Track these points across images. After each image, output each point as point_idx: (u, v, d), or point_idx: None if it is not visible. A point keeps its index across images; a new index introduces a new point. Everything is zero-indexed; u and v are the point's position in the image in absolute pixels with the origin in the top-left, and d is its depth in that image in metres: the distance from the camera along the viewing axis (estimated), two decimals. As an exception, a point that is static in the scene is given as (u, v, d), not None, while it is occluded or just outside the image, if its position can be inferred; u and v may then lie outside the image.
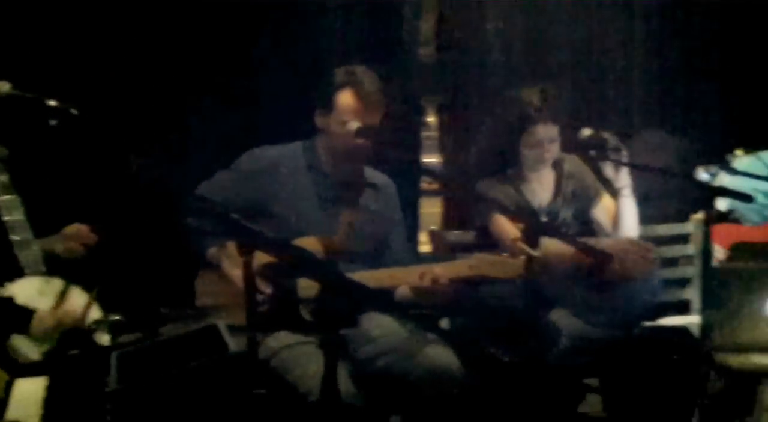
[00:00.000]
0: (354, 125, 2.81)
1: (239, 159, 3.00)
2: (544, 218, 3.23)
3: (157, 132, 3.47)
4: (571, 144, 3.24)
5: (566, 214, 3.37)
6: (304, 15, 3.59)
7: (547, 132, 3.20)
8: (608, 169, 3.22)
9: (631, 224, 3.32)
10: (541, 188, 3.35)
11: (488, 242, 3.22)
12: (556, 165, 3.38)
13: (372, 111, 2.86)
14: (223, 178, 2.99)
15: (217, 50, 3.51)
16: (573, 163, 3.37)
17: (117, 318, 2.57)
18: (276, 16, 3.54)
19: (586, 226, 3.43)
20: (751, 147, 3.61)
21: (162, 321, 2.71)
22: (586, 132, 3.12)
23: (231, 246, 2.75)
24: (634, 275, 3.06)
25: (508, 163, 3.25)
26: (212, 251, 2.88)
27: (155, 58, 3.47)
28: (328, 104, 2.86)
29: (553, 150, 3.25)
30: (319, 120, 2.93)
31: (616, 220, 3.32)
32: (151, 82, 3.46)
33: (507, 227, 3.14)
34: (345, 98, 2.85)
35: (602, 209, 3.39)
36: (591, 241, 3.02)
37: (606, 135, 3.11)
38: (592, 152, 3.12)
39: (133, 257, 3.37)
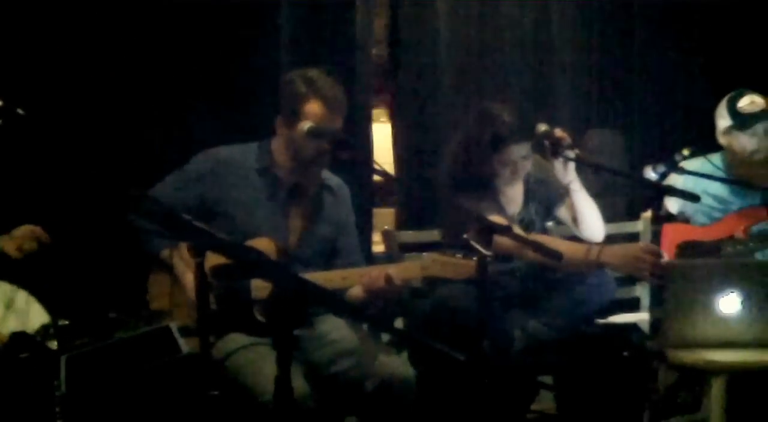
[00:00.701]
0: (312, 127, 2.81)
1: (191, 160, 2.98)
2: (519, 226, 3.25)
3: (110, 133, 3.43)
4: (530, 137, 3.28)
5: (537, 218, 3.41)
6: (254, 13, 3.56)
7: (521, 151, 3.25)
8: (558, 165, 3.25)
9: (591, 218, 3.35)
10: (513, 197, 3.39)
11: (444, 243, 3.24)
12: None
13: (336, 117, 2.89)
14: (175, 179, 2.97)
15: (163, 49, 3.48)
16: (538, 166, 3.41)
17: (65, 322, 2.54)
18: (224, 14, 3.51)
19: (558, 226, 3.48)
20: (699, 147, 3.67)
21: (112, 324, 2.68)
22: (542, 128, 3.15)
23: (183, 248, 2.73)
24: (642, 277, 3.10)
25: (483, 177, 3.29)
26: (164, 252, 2.85)
27: (106, 57, 3.43)
28: (294, 113, 2.86)
29: (527, 166, 3.29)
30: (280, 126, 2.93)
31: (575, 217, 3.36)
32: (102, 82, 3.42)
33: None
34: (312, 108, 2.86)
35: (566, 209, 3.43)
36: (606, 249, 3.06)
37: (559, 132, 3.15)
38: (547, 147, 3.15)
39: (83, 259, 3.33)
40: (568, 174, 3.25)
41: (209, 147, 2.99)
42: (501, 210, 3.28)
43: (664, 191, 3.07)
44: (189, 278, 2.77)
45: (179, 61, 3.49)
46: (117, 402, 2.50)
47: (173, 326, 2.48)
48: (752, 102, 3.60)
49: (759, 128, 3.57)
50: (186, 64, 3.50)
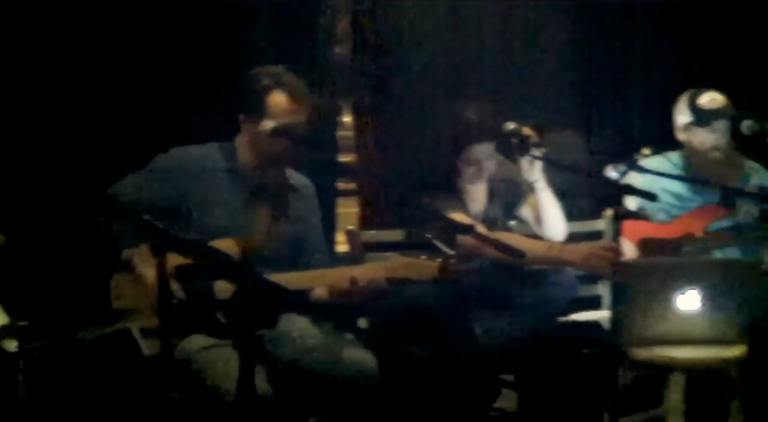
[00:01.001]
0: (277, 125, 2.80)
1: (153, 159, 2.95)
2: (482, 225, 3.27)
3: (70, 131, 3.39)
4: (495, 136, 3.31)
5: (500, 217, 3.43)
6: (217, 13, 3.54)
7: (485, 151, 3.27)
8: (524, 163, 3.27)
9: (554, 217, 3.38)
10: (477, 196, 3.41)
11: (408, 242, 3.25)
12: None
13: (301, 111, 2.88)
14: (136, 178, 2.94)
15: (126, 48, 3.45)
16: (501, 165, 3.43)
17: (24, 323, 2.51)
18: (187, 13, 3.49)
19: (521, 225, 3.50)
20: (658, 146, 3.71)
21: (73, 325, 2.65)
22: (510, 126, 3.17)
23: (144, 248, 2.71)
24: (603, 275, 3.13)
25: (447, 176, 3.30)
26: (126, 252, 2.82)
27: (68, 57, 3.39)
28: (257, 108, 2.84)
29: (491, 167, 3.31)
30: (245, 123, 2.92)
31: (538, 215, 3.38)
32: (64, 83, 3.38)
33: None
34: (276, 100, 2.85)
35: (528, 207, 3.45)
36: (567, 247, 3.09)
37: (527, 130, 3.17)
38: (515, 145, 3.17)
39: (42, 259, 3.29)
40: (534, 172, 3.27)
41: (172, 146, 2.97)
42: (465, 209, 3.29)
43: (622, 190, 3.11)
44: (150, 279, 2.74)
45: (141, 61, 3.46)
46: (77, 403, 2.48)
47: (133, 327, 2.46)
48: (712, 99, 3.64)
49: (718, 124, 3.62)
50: (147, 64, 3.47)
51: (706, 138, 3.62)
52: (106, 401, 2.51)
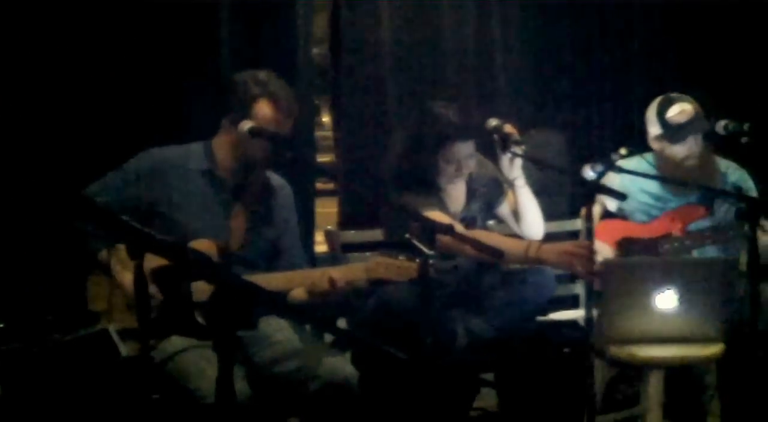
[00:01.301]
0: (253, 127, 2.80)
1: (130, 160, 2.93)
2: (461, 224, 3.28)
3: (43, 132, 3.36)
4: (478, 133, 3.34)
5: (479, 216, 3.43)
6: (193, 13, 3.52)
7: (465, 149, 3.27)
8: (505, 160, 3.28)
9: (532, 215, 3.39)
10: (456, 196, 3.41)
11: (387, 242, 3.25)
12: None
13: (286, 121, 2.89)
14: (113, 178, 2.92)
15: (101, 48, 3.42)
16: (480, 164, 3.44)
17: (0, 325, 2.49)
18: (163, 12, 3.47)
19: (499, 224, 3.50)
20: (636, 146, 3.72)
21: (49, 326, 2.63)
22: (493, 122, 3.18)
23: (121, 249, 2.69)
24: (577, 273, 3.14)
25: (426, 175, 3.30)
26: (103, 253, 2.81)
27: (38, 56, 3.36)
28: (243, 114, 2.84)
29: (470, 165, 3.31)
30: (225, 126, 2.90)
31: (517, 213, 3.39)
32: (35, 80, 3.34)
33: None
34: (263, 110, 2.85)
35: (506, 206, 3.46)
36: (544, 246, 3.09)
37: (509, 127, 3.18)
38: (497, 142, 3.18)
39: (18, 261, 3.26)
40: (515, 170, 3.28)
41: (149, 147, 2.96)
42: (444, 208, 3.30)
43: (594, 189, 3.13)
44: (127, 280, 2.73)
45: (117, 60, 3.44)
46: (54, 405, 2.46)
47: (111, 328, 2.44)
48: (681, 111, 3.62)
49: (690, 140, 3.61)
50: (122, 63, 3.44)
51: (678, 151, 3.61)
52: (84, 403, 2.49)
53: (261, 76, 2.90)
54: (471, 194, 3.42)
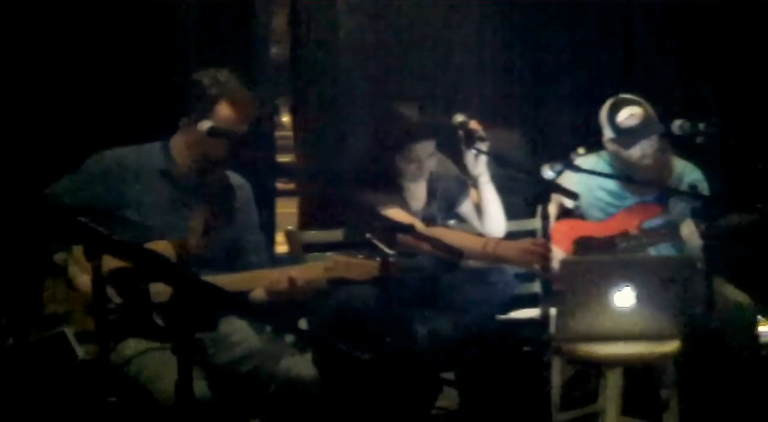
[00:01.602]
0: (212, 126, 2.79)
1: (86, 161, 2.90)
2: (422, 223, 3.29)
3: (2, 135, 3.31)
4: (438, 132, 3.35)
5: (439, 215, 3.44)
6: (152, 12, 3.49)
7: (426, 149, 3.29)
8: (470, 157, 3.29)
9: (495, 212, 3.40)
10: (417, 194, 3.42)
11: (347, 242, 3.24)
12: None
13: (244, 121, 2.88)
14: (69, 181, 2.89)
15: (59, 46, 3.38)
16: (441, 164, 3.45)
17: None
18: (120, 10, 3.43)
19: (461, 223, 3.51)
20: (594, 145, 3.75)
21: (4, 330, 2.59)
22: (459, 118, 3.19)
23: (78, 251, 2.66)
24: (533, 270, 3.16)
25: (388, 174, 3.30)
26: (59, 255, 2.77)
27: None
28: (202, 114, 2.82)
29: (431, 164, 3.32)
30: (184, 126, 2.89)
31: (480, 210, 3.40)
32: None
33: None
34: (222, 110, 2.84)
35: (469, 204, 3.47)
36: (502, 243, 3.11)
37: (474, 124, 3.19)
38: (462, 138, 3.19)
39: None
40: (479, 166, 3.30)
41: (107, 147, 2.93)
42: (405, 206, 3.30)
43: (548, 188, 3.16)
44: (85, 282, 2.70)
45: (74, 60, 3.39)
46: (11, 409, 2.42)
47: (68, 331, 2.42)
48: (631, 115, 3.64)
49: (642, 142, 3.64)
50: (79, 63, 3.40)
51: (631, 153, 3.65)
52: (41, 407, 2.46)
53: (220, 76, 2.88)
54: (432, 192, 3.43)
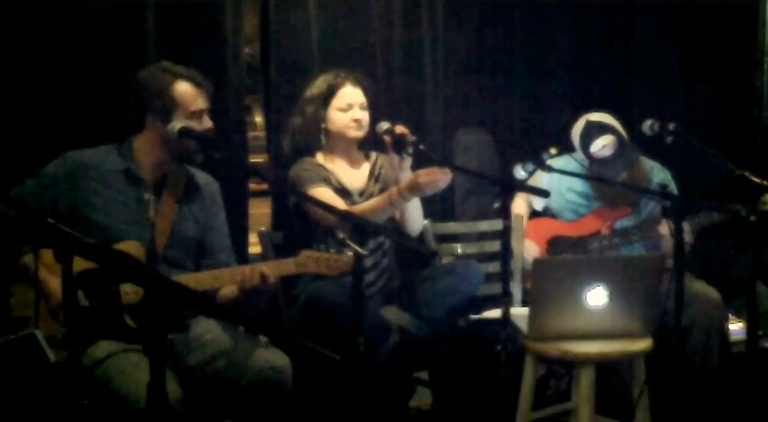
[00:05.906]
0: (183, 127, 2.78)
1: (48, 165, 2.89)
2: (357, 199, 3.38)
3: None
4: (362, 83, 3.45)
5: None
6: (121, 12, 3.46)
7: (355, 95, 3.39)
8: (395, 161, 3.27)
9: (415, 215, 3.43)
10: (353, 170, 3.45)
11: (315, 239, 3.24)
12: (369, 156, 3.54)
13: (207, 95, 2.91)
14: (33, 183, 2.87)
15: (26, 47, 3.34)
16: (383, 159, 3.51)
17: None
18: (89, 11, 3.40)
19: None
20: (565, 146, 3.78)
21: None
22: (384, 125, 3.19)
23: (46, 253, 2.63)
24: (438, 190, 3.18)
25: (316, 143, 3.43)
26: (26, 258, 2.75)
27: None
28: (165, 101, 2.83)
29: (363, 121, 3.39)
30: (152, 123, 2.87)
31: (401, 213, 3.41)
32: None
33: (333, 201, 3.20)
34: (181, 88, 2.86)
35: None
36: (403, 184, 3.16)
37: (400, 128, 3.18)
38: (388, 144, 3.19)
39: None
40: (404, 171, 3.28)
41: (68, 149, 2.91)
42: (332, 174, 3.40)
43: (518, 187, 3.18)
44: (54, 285, 2.68)
45: (37, 60, 3.36)
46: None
47: (39, 333, 2.39)
48: (604, 146, 3.69)
49: (615, 164, 3.68)
50: (44, 63, 3.37)
51: (603, 172, 3.68)
52: (11, 409, 2.43)
53: (164, 64, 2.93)
54: (372, 174, 3.46)
